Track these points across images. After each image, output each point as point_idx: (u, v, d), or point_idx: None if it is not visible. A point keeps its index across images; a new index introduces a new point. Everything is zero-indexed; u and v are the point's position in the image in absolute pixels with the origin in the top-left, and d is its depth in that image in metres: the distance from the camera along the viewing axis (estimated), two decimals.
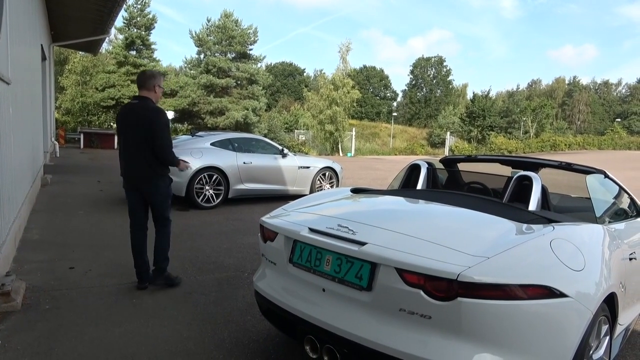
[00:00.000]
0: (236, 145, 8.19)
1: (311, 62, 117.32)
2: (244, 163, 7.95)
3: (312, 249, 2.39)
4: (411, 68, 66.82)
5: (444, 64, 65.60)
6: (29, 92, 7.23)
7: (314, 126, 34.92)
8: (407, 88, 68.51)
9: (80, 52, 31.57)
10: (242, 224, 6.60)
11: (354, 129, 37.50)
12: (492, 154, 14.43)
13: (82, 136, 21.54)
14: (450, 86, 66.27)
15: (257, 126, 32.96)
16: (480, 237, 2.24)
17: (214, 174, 7.56)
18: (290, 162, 8.67)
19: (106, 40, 29.75)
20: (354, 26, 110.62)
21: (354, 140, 37.28)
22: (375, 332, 2.07)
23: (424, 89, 65.91)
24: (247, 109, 31.88)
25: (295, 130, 38.42)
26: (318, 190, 9.11)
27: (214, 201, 7.61)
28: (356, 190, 3.37)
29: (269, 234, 2.73)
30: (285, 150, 8.74)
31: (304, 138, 35.69)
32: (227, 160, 7.77)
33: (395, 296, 2.04)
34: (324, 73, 46.41)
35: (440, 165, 4.03)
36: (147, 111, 3.72)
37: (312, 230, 2.44)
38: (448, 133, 44.85)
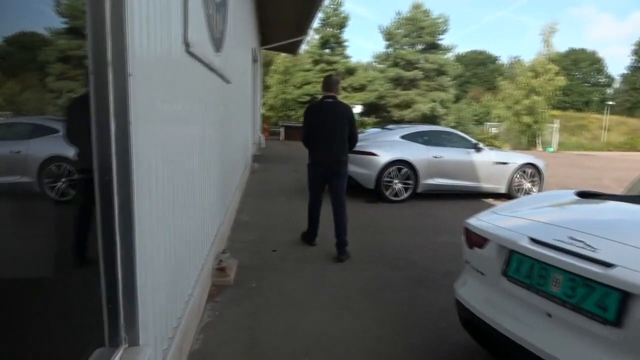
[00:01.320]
0: (426, 138, 7.87)
1: (506, 49, 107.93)
2: (435, 157, 7.58)
3: (535, 263, 1.98)
4: (634, 47, 55.89)
5: None
6: (242, 90, 8.18)
7: (509, 118, 32.01)
8: (627, 72, 57.64)
9: (283, 54, 35.17)
10: (432, 221, 6.28)
11: (556, 121, 33.18)
12: None
13: (282, 129, 23.90)
14: None
15: (445, 118, 31.85)
16: None
17: (403, 167, 7.40)
18: (485, 157, 7.96)
19: (304, 40, 32.35)
20: (560, 5, 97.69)
21: (556, 133, 33.01)
22: None
23: None
24: (435, 101, 31.06)
25: (487, 123, 35.89)
26: (517, 189, 8.17)
27: (402, 195, 7.46)
28: (583, 194, 2.75)
29: (476, 239, 2.39)
30: (480, 145, 8.05)
31: (496, 131, 33.06)
32: (417, 154, 7.52)
33: None
34: (521, 60, 42.10)
35: None
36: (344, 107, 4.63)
37: (534, 240, 2.02)
38: None
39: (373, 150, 7.34)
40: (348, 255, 4.45)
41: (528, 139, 32.11)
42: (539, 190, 8.30)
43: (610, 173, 15.19)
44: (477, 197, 8.21)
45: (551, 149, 32.15)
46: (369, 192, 7.55)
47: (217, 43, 3.71)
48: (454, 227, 5.96)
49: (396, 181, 7.43)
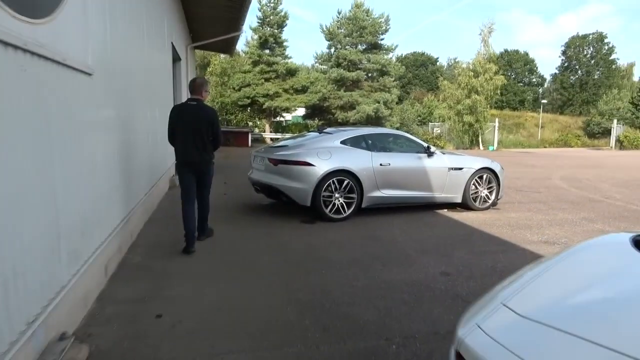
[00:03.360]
0: (371, 142, 6.72)
1: (444, 51, 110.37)
2: (381, 165, 6.44)
3: None
4: (563, 48, 58.56)
5: (605, 41, 56.16)
6: (150, 90, 6.67)
7: (451, 117, 31.99)
8: (557, 71, 60.34)
9: (222, 56, 33.37)
10: (380, 246, 5.10)
11: (496, 120, 33.59)
12: None
13: None
14: (613, 66, 56.46)
15: (389, 119, 31.34)
16: None
17: (345, 178, 6.19)
18: (439, 163, 6.92)
19: (243, 42, 30.77)
20: (491, 9, 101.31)
21: (496, 132, 33.41)
22: None
23: (579, 72, 57.24)
24: (379, 102, 30.45)
25: (430, 123, 35.84)
26: (473, 198, 7.19)
27: (344, 212, 6.24)
28: None
29: None
30: (432, 148, 7.00)
31: (439, 131, 32.97)
32: (361, 162, 6.34)
33: None
34: (459, 61, 42.71)
35: None
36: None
37: None
38: (615, 121, 37.89)
39: (308, 160, 6.07)
40: (208, 234, 5.20)
41: (470, 138, 32.24)
42: (497, 198, 7.40)
43: (556, 171, 14.88)
44: (431, 208, 7.17)
45: (492, 148, 32.46)
46: (305, 210, 6.29)
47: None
48: (406, 254, 4.81)
49: (337, 195, 6.21)
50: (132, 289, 3.65)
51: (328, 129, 7.12)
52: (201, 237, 5.06)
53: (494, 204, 7.42)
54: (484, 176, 7.23)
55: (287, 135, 28.66)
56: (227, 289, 3.70)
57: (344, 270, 4.24)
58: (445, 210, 7.23)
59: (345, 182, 6.19)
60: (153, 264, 4.31)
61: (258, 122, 34.38)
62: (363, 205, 6.39)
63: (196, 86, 4.74)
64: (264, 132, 31.97)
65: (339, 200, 6.22)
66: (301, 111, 36.31)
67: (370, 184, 6.35)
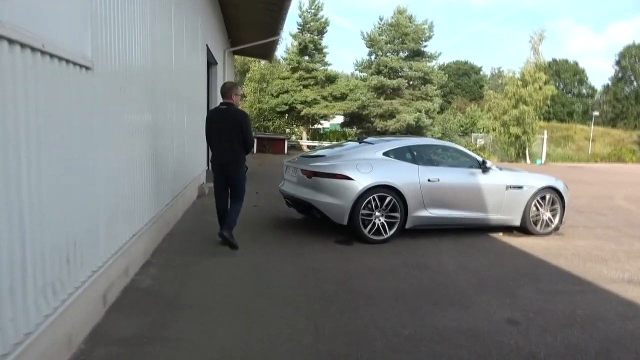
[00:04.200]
0: (417, 154, 5.94)
1: (487, 60, 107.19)
2: (429, 180, 5.66)
3: None
4: (616, 59, 55.46)
5: None
6: (180, 93, 6.19)
7: (496, 129, 30.52)
8: (609, 82, 57.15)
9: (261, 62, 33.30)
10: (428, 278, 4.33)
11: (545, 132, 31.81)
12: None
13: (255, 141, 21.86)
14: None
15: (430, 129, 30.27)
16: None
17: (388, 195, 5.44)
18: (495, 180, 6.07)
19: (283, 49, 30.66)
20: (537, 18, 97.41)
21: (544, 144, 31.63)
22: None
23: (635, 83, 53.99)
24: (420, 111, 29.45)
25: (473, 134, 34.43)
26: (534, 221, 6.28)
27: (385, 233, 5.50)
28: None
29: None
30: (489, 163, 6.16)
31: (482, 142, 31.59)
32: (406, 177, 5.59)
33: None
34: (502, 71, 41.05)
35: None
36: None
37: None
38: None
39: (346, 173, 5.37)
40: (229, 240, 4.90)
41: (516, 150, 30.67)
42: (560, 223, 6.45)
43: (616, 190, 13.55)
44: (483, 232, 6.31)
45: (540, 161, 30.74)
46: (340, 228, 5.59)
47: None
48: (460, 289, 4.02)
49: (377, 214, 5.47)
50: (132, 325, 3.05)
51: (369, 139, 6.41)
52: (224, 232, 4.90)
53: (556, 228, 6.48)
54: (547, 196, 6.30)
55: (325, 144, 28.17)
56: (243, 331, 3.04)
57: (386, 309, 3.50)
58: (501, 233, 6.36)
59: (388, 199, 5.44)
60: (164, 289, 3.72)
61: (295, 129, 34.03)
62: (407, 226, 5.63)
63: (226, 90, 4.90)
64: (301, 139, 31.55)
65: (380, 220, 5.48)
66: (339, 119, 35.73)
67: (416, 202, 5.59)
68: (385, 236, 5.50)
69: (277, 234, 5.84)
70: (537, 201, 6.24)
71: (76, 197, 2.66)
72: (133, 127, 3.96)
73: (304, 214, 6.30)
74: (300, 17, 30.13)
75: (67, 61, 2.49)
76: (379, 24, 31.89)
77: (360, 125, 32.51)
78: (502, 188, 6.09)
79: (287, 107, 30.65)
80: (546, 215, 6.33)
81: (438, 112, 34.41)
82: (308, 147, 28.71)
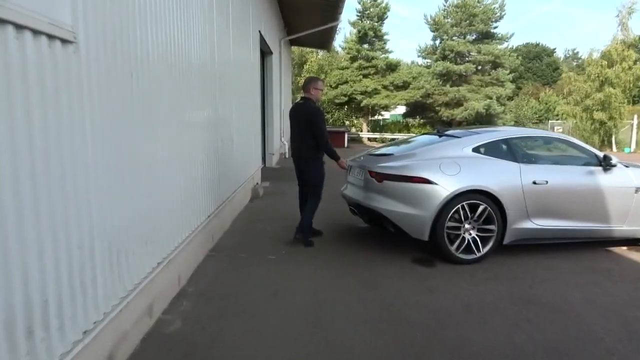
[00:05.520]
0: (516, 149, 4.69)
1: (559, 42, 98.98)
2: (535, 183, 4.40)
3: None
4: None
5: None
6: (233, 85, 5.33)
7: (577, 115, 27.59)
8: None
9: (319, 53, 32.41)
10: (550, 322, 3.14)
11: (635, 117, 28.37)
12: None
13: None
14: None
15: (502, 117, 27.97)
16: None
17: (481, 203, 4.25)
18: (620, 180, 4.68)
19: (341, 39, 29.56)
20: None
21: (634, 131, 28.23)
22: None
23: None
24: (491, 98, 27.22)
25: (549, 121, 31.52)
26: None
27: (478, 251, 4.32)
28: None
29: None
30: (613, 159, 4.77)
31: (560, 130, 28.72)
32: (504, 179, 4.36)
33: None
34: (577, 52, 37.25)
35: None
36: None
37: None
38: None
39: (426, 175, 4.24)
40: (302, 240, 4.77)
41: (601, 138, 27.59)
42: None
43: None
44: (597, 245, 4.95)
45: (628, 150, 27.48)
46: (419, 243, 4.47)
47: None
48: (603, 344, 2.80)
49: (468, 226, 4.30)
50: None
51: (451, 131, 5.20)
52: (297, 235, 4.85)
53: None
54: None
55: (387, 136, 26.77)
56: None
57: None
58: (624, 248, 4.96)
59: (481, 208, 4.25)
60: (194, 336, 2.83)
61: (355, 121, 32.86)
62: (505, 241, 4.41)
63: (305, 84, 4.95)
64: (361, 131, 30.35)
65: (471, 234, 4.30)
66: (401, 109, 34.12)
67: (517, 211, 4.35)
68: (478, 255, 4.31)
69: (338, 248, 4.83)
70: None
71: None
72: (160, 123, 3.09)
73: (373, 225, 5.25)
74: (359, 3, 28.81)
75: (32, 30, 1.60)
76: (444, 5, 29.83)
77: (424, 115, 30.74)
78: (630, 191, 4.69)
79: (346, 99, 29.53)
80: None
81: (509, 99, 31.85)
82: (369, 139, 27.49)
